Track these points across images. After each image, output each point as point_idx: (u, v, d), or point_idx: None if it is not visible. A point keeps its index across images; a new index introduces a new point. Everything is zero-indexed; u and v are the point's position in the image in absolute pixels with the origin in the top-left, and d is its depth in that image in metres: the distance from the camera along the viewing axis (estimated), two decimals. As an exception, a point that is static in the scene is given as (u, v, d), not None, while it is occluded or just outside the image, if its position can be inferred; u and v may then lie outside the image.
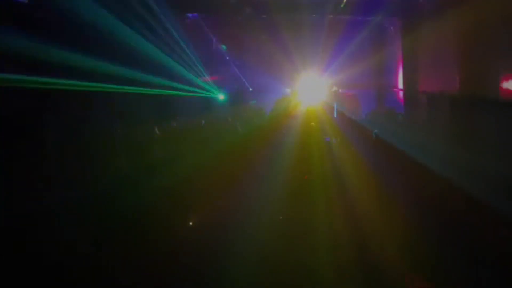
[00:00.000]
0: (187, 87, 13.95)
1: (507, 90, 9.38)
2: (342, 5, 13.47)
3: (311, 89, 16.12)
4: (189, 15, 14.22)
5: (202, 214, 8.62)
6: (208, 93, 15.13)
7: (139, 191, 8.68)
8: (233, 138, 12.62)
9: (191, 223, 8.39)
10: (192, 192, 9.15)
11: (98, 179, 8.85)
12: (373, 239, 7.23)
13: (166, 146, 11.93)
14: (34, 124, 8.85)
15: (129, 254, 6.77)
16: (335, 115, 15.04)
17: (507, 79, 9.36)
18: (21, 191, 7.36)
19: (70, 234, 6.96)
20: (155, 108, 12.54)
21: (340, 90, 16.83)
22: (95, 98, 10.01)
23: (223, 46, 15.60)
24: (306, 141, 12.28)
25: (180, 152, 11.08)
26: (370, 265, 6.54)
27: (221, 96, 15.76)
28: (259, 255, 6.72)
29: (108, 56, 10.37)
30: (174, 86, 13.56)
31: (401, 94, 15.59)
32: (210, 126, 13.81)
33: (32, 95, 8.87)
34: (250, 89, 16.48)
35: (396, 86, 15.84)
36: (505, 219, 7.25)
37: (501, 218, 7.31)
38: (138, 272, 6.30)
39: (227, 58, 15.84)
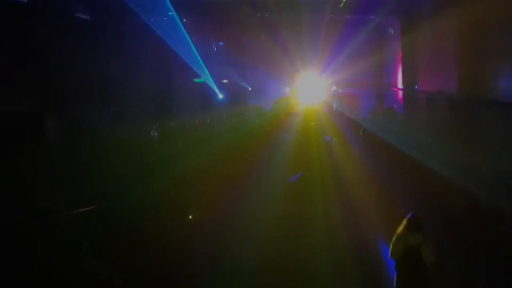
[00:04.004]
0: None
1: (504, 89, 9.38)
2: (341, 5, 13.45)
3: (310, 89, 16.12)
4: (188, 14, 14.20)
5: (206, 211, 8.60)
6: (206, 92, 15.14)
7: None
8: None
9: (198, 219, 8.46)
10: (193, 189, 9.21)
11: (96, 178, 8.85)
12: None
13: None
14: (32, 124, 8.88)
15: (128, 254, 6.78)
16: (334, 115, 15.05)
17: (504, 78, 9.36)
18: (19, 193, 7.38)
19: (68, 235, 6.97)
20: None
21: (340, 90, 16.84)
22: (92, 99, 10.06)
23: (220, 43, 15.53)
24: (305, 141, 12.26)
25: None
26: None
27: (220, 96, 15.78)
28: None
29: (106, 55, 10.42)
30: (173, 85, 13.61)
31: (400, 93, 15.59)
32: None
33: (31, 95, 8.91)
34: (249, 89, 16.47)
35: (395, 86, 15.84)
36: (497, 215, 7.28)
37: (492, 212, 7.35)
38: (137, 272, 6.31)
39: (227, 57, 15.81)
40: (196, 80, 14.96)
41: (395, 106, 15.92)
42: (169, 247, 7.01)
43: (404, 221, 5.14)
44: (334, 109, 15.88)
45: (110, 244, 6.95)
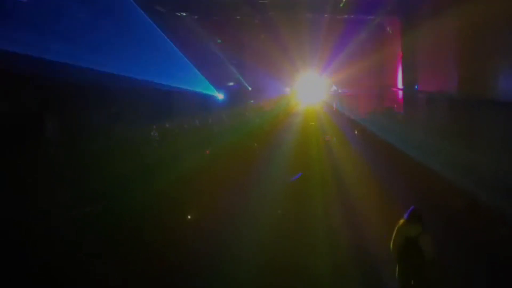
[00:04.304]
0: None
1: (504, 89, 9.39)
2: (341, 4, 13.44)
3: (310, 89, 16.12)
4: (188, 14, 14.20)
5: (207, 211, 8.60)
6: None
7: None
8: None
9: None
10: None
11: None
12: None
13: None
14: (32, 124, 8.86)
15: (128, 254, 6.77)
16: (334, 115, 15.05)
17: (505, 78, 9.37)
18: (19, 193, 7.37)
19: (68, 235, 6.96)
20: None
21: (340, 90, 16.84)
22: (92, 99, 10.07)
23: (218, 40, 15.48)
24: (306, 141, 12.25)
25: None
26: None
27: (220, 96, 15.78)
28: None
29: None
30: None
31: (400, 93, 15.59)
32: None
33: (30, 94, 8.89)
34: (250, 89, 16.47)
35: (395, 86, 15.84)
36: (497, 215, 7.31)
37: (492, 213, 7.38)
38: (137, 272, 6.31)
39: (226, 57, 15.81)
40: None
41: (395, 106, 15.91)
42: (169, 247, 7.01)
43: (406, 214, 5.31)
44: (334, 109, 15.88)
45: (110, 244, 6.95)
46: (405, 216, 5.32)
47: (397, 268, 5.35)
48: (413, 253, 5.15)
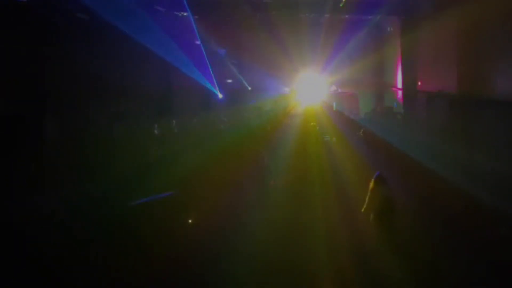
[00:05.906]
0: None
1: (505, 88, 9.40)
2: (341, 4, 13.44)
3: (310, 88, 16.13)
4: (187, 14, 14.18)
5: (206, 212, 8.59)
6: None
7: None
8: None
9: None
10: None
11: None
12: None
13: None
14: (34, 123, 8.89)
15: (128, 254, 6.78)
16: (334, 115, 15.07)
17: (504, 78, 9.38)
18: (22, 189, 7.39)
19: (68, 236, 6.97)
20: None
21: (339, 90, 16.86)
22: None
23: (220, 43, 15.48)
24: (305, 141, 12.24)
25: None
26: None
27: (219, 95, 15.77)
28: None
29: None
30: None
31: (400, 93, 15.60)
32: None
33: (32, 95, 8.91)
34: (249, 88, 16.47)
35: (395, 85, 15.85)
36: (498, 215, 7.32)
37: (492, 213, 7.40)
38: (137, 273, 6.32)
39: (226, 57, 15.80)
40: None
41: (395, 105, 15.93)
42: (169, 247, 7.02)
43: (373, 179, 7.13)
44: (334, 109, 15.90)
45: (110, 245, 6.96)
46: (374, 180, 7.07)
47: (372, 218, 7.00)
48: (383, 206, 6.87)
